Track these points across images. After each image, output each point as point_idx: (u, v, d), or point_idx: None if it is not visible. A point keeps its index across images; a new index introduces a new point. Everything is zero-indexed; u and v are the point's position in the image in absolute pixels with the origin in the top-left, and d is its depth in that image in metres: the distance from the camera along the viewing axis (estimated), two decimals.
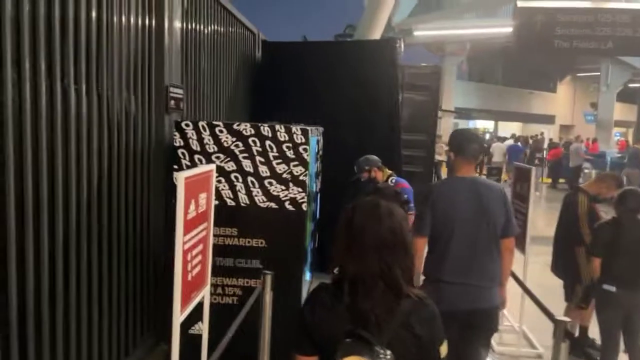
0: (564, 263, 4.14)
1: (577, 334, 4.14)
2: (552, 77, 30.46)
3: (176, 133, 3.48)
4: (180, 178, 2.40)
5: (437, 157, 14.94)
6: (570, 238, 4.00)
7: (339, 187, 4.76)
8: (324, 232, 4.62)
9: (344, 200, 4.05)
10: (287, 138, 3.44)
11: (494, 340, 4.43)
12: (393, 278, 1.48)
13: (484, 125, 30.22)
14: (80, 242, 2.79)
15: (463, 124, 26.82)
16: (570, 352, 4.08)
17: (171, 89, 3.84)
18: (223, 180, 3.48)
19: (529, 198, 4.15)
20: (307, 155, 3.46)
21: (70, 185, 2.74)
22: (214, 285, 3.44)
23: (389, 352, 1.43)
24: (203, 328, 2.85)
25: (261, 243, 3.48)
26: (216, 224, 3.41)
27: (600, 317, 3.51)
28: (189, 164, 3.46)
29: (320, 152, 4.43)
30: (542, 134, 25.89)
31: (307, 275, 4.36)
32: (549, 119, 30.12)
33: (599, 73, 21.79)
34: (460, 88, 25.61)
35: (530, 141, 21.34)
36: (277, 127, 3.44)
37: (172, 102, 3.88)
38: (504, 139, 20.91)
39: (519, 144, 19.65)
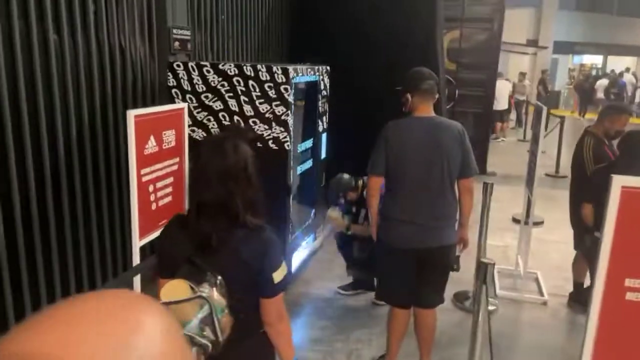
0: (573, 210, 3.87)
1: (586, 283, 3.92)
2: None
3: (169, 74, 3.69)
4: (130, 116, 2.62)
5: (518, 97, 13.97)
6: (577, 185, 3.71)
7: (355, 127, 4.80)
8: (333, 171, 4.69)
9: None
10: (268, 77, 3.51)
11: (497, 284, 4.35)
12: (233, 207, 1.59)
13: (591, 60, 27.27)
14: (73, 171, 3.17)
15: (563, 60, 24.47)
16: (571, 301, 3.96)
17: (174, 31, 4.03)
18: (212, 119, 3.67)
19: (540, 138, 3.88)
20: (289, 95, 3.52)
21: (71, 122, 3.09)
22: None
23: (219, 277, 1.57)
24: None
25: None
26: None
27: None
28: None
29: (326, 92, 4.43)
30: None
31: (311, 212, 4.52)
32: None
33: None
34: (565, 19, 23.13)
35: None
36: (259, 66, 3.52)
37: (177, 43, 4.09)
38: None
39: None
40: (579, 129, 11.11)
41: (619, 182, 1.44)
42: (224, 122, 3.66)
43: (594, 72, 24.32)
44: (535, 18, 21.18)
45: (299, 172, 4.01)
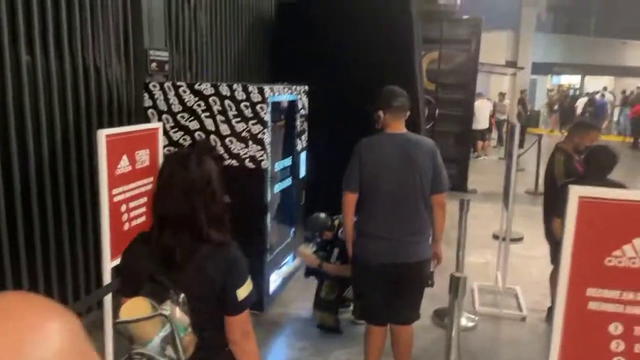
0: (547, 224, 3.92)
1: None
2: None
3: (145, 94, 3.70)
4: (101, 136, 2.61)
5: (499, 117, 14.18)
6: (550, 200, 3.77)
7: (336, 147, 4.81)
8: (315, 190, 4.70)
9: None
10: (244, 97, 3.53)
11: (477, 301, 4.35)
12: (196, 221, 1.58)
13: (569, 80, 27.92)
14: (44, 190, 3.13)
15: (541, 80, 25.02)
16: (549, 316, 3.96)
17: (151, 52, 4.05)
18: (188, 138, 3.67)
19: (514, 154, 3.94)
20: (265, 114, 3.54)
21: (43, 143, 3.07)
22: None
23: (182, 295, 1.55)
24: None
25: (225, 199, 3.64)
26: None
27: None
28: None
29: (304, 111, 4.46)
30: (638, 88, 23.58)
31: (290, 232, 4.50)
32: None
33: None
34: (542, 41, 23.75)
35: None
36: (235, 86, 3.54)
37: (154, 64, 4.10)
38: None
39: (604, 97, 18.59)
40: None
41: (576, 193, 1.46)
42: None
43: (571, 92, 24.95)
44: (514, 40, 21.70)
45: (277, 190, 4.01)
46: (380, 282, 2.82)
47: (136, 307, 1.50)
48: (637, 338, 1.51)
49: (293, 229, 4.50)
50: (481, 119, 11.96)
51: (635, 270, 1.46)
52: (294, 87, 4.21)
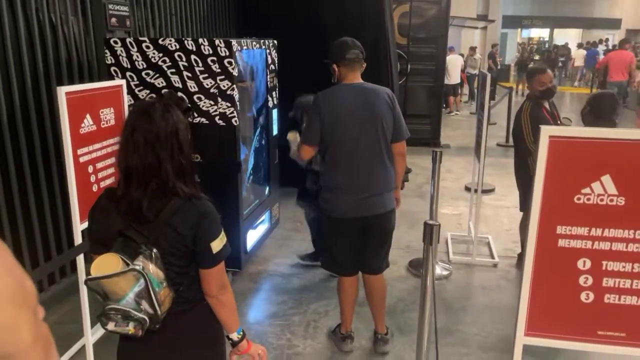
0: (518, 170, 3.99)
1: None
2: None
3: (107, 51, 3.53)
4: (61, 93, 2.49)
5: (471, 71, 14.18)
6: (519, 148, 3.82)
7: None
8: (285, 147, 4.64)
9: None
10: (211, 51, 3.41)
11: (451, 250, 4.46)
12: (162, 173, 1.52)
13: (538, 33, 28.05)
14: (6, 154, 3.01)
15: (512, 34, 25.05)
16: (520, 261, 4.10)
17: (110, 6, 3.86)
18: (155, 96, 3.54)
19: (485, 105, 3.95)
20: (233, 69, 3.43)
21: (1, 106, 2.93)
22: None
23: (154, 249, 1.51)
24: None
25: (196, 158, 3.57)
26: None
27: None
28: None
29: (274, 66, 4.35)
30: (606, 40, 23.88)
31: (266, 190, 4.48)
32: (613, 24, 27.37)
33: None
34: None
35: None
36: (201, 40, 3.42)
37: (114, 19, 3.91)
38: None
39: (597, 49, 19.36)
40: None
41: (546, 133, 1.46)
42: None
43: (535, 46, 25.37)
44: None
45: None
46: (349, 234, 2.81)
47: (107, 264, 1.47)
48: (604, 272, 1.56)
49: (268, 187, 4.47)
50: (453, 74, 11.96)
51: (603, 207, 1.50)
52: (262, 41, 4.08)
